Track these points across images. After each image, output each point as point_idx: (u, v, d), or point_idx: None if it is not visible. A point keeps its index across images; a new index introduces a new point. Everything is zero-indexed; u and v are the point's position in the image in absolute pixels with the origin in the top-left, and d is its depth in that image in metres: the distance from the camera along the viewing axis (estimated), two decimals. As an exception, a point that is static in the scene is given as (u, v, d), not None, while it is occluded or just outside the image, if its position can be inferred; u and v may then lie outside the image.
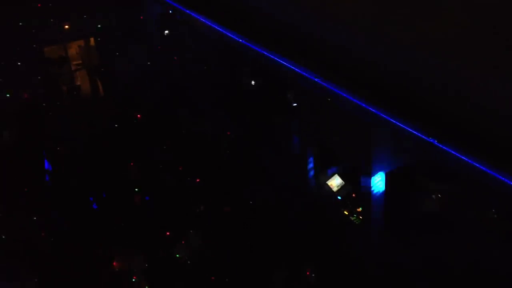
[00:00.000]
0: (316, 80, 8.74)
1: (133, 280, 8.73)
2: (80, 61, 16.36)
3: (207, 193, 11.10)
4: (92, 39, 16.07)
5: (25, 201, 10.00)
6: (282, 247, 9.39)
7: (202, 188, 11.46)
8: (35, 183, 10.87)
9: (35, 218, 9.68)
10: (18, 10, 13.64)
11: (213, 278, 8.83)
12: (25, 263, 8.28)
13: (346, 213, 10.07)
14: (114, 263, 8.58)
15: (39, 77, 14.22)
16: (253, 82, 13.09)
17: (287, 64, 9.26)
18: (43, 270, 8.59)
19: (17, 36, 13.56)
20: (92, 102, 15.69)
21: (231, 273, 9.05)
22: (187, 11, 12.62)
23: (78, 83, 16.27)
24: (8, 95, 13.21)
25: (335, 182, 10.54)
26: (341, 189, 10.47)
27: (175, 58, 15.51)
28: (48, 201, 10.32)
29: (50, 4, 14.68)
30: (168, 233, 9.42)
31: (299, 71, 9.02)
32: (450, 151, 7.03)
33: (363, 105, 8.06)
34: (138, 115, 13.88)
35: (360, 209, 9.93)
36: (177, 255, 9.20)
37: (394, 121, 7.64)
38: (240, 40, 10.41)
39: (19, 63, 13.69)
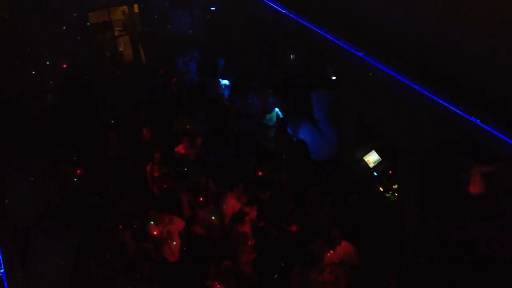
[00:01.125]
0: (358, 54, 8.61)
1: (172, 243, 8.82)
2: (124, 27, 16.44)
3: (245, 163, 11.21)
4: (136, 6, 16.10)
5: (67, 162, 10.26)
6: (315, 220, 9.44)
7: (240, 158, 11.58)
8: (76, 145, 11.13)
9: (75, 179, 9.92)
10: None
11: (251, 242, 8.84)
12: (67, 222, 8.48)
13: (381, 189, 9.98)
14: (152, 227, 8.71)
15: (82, 43, 14.39)
16: (293, 55, 12.96)
17: (328, 36, 9.13)
18: (85, 228, 8.79)
19: (61, 1, 13.72)
20: (134, 69, 15.87)
21: (267, 240, 9.12)
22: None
23: (121, 49, 16.44)
24: (48, 63, 13.45)
25: (372, 158, 10.41)
26: (378, 165, 10.33)
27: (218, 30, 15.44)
28: (84, 164, 10.55)
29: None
30: (201, 199, 9.48)
31: (340, 43, 8.89)
32: (494, 131, 6.81)
33: (405, 81, 7.90)
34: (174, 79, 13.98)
35: (395, 186, 9.83)
36: (213, 217, 9.23)
37: (436, 98, 7.47)
38: (282, 10, 10.31)
39: (64, 27, 13.87)
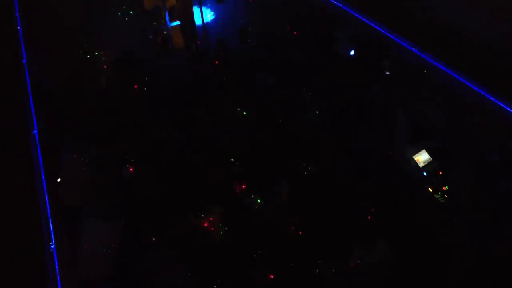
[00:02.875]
0: (413, 50, 8.41)
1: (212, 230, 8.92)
2: (177, 15, 16.61)
3: (291, 156, 11.18)
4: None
5: (115, 143, 10.49)
6: (359, 218, 9.33)
7: (285, 151, 11.56)
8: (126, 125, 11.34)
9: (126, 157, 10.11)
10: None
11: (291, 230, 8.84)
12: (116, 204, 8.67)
13: (431, 190, 9.76)
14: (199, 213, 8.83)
15: (136, 28, 14.65)
16: (346, 49, 12.74)
17: (383, 31, 8.97)
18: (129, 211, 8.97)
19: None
20: (184, 55, 15.99)
21: (310, 235, 9.09)
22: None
23: (173, 36, 16.62)
24: (96, 53, 13.74)
25: (422, 158, 10.18)
26: (428, 165, 10.10)
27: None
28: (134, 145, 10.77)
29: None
30: (244, 186, 9.54)
31: (395, 38, 8.72)
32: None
33: (461, 79, 7.68)
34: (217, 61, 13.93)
35: (446, 187, 9.58)
36: (258, 200, 9.27)
37: (493, 98, 7.22)
38: (337, 3, 10.19)
39: (119, 14, 14.14)
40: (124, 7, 14.29)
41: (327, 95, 12.48)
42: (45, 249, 5.25)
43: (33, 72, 8.48)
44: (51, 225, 5.85)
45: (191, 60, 15.41)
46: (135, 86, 12.78)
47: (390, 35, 8.87)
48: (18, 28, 8.95)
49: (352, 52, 12.55)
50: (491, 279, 7.95)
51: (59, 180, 9.22)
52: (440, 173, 9.84)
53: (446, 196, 9.48)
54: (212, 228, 9.07)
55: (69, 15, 13.01)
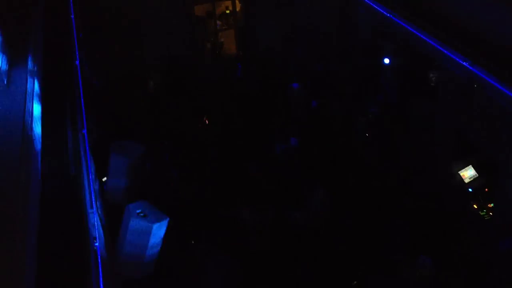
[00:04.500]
0: (464, 63, 8.23)
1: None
2: (226, 21, 16.84)
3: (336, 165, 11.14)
4: (239, 0, 16.43)
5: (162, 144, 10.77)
6: (400, 231, 9.20)
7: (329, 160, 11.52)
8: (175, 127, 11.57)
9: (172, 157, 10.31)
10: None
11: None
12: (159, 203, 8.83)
13: (475, 207, 9.52)
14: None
15: (186, 33, 14.94)
16: (390, 60, 12.58)
17: (433, 43, 8.81)
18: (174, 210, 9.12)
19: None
20: (233, 61, 16.18)
21: (351, 246, 9.05)
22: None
23: (223, 41, 16.84)
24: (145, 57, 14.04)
25: (468, 173, 9.95)
26: (474, 181, 9.86)
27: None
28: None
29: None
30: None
31: (446, 51, 8.55)
32: None
33: (512, 95, 7.45)
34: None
35: (491, 205, 9.32)
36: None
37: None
38: (386, 14, 10.08)
39: (170, 19, 14.46)
40: (175, 13, 14.58)
41: (374, 105, 12.38)
42: (89, 246, 5.40)
43: (84, 72, 8.76)
44: (96, 223, 6.01)
45: (239, 66, 15.61)
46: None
47: (440, 47, 8.71)
48: (72, 27, 9.26)
49: (387, 61, 12.40)
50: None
51: (104, 179, 9.51)
52: (486, 190, 9.60)
53: (491, 213, 9.23)
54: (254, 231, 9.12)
55: (122, 17, 13.39)
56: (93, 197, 6.44)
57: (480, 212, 9.45)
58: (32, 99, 6.56)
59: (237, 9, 16.51)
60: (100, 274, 5.21)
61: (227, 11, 16.63)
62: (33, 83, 6.98)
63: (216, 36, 16.66)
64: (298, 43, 15.20)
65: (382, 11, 10.45)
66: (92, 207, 6.20)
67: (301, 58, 14.87)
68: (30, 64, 7.17)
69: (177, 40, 14.55)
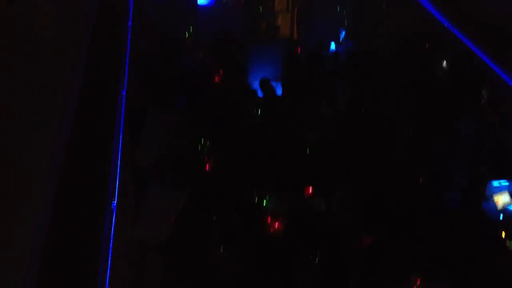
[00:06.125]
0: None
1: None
2: (284, 3, 16.65)
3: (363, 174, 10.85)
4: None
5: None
6: (420, 250, 8.94)
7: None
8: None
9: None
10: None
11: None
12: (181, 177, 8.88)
13: (503, 235, 9.18)
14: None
15: (241, 13, 14.90)
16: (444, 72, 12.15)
17: (487, 59, 8.48)
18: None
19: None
20: (288, 44, 15.97)
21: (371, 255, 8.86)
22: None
23: (279, 24, 16.67)
24: (187, 34, 14.05)
25: (502, 199, 9.59)
26: (507, 208, 9.52)
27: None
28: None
29: None
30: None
31: (499, 71, 8.22)
32: None
33: None
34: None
35: (521, 236, 8.99)
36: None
37: None
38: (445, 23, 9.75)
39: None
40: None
41: (417, 117, 11.98)
42: (106, 206, 5.46)
43: (134, 34, 8.83)
44: (118, 183, 6.07)
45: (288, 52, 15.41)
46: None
47: (493, 65, 8.38)
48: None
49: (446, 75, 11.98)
50: None
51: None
52: (518, 219, 9.25)
53: (518, 245, 8.90)
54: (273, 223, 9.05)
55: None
56: (119, 157, 6.50)
57: (507, 240, 9.12)
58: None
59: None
60: (112, 233, 5.28)
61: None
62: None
63: (273, 17, 16.50)
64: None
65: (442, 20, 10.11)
66: (117, 166, 6.27)
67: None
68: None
69: (229, 19, 14.55)
